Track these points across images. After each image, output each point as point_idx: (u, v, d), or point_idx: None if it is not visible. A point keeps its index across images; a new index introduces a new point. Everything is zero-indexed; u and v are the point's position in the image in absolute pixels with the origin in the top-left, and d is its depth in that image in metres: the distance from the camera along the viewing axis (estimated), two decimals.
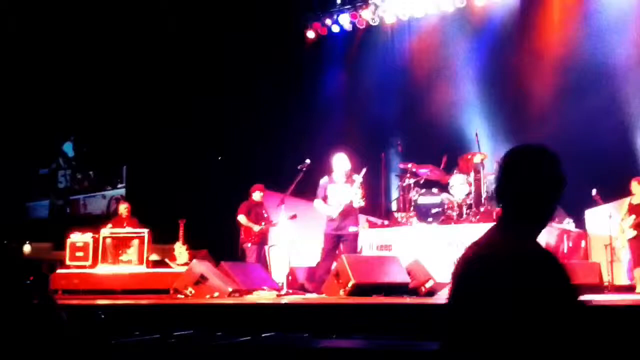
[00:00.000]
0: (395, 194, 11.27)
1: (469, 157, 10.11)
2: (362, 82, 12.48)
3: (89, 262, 10.47)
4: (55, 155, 16.28)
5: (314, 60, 12.77)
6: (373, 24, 12.70)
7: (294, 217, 9.06)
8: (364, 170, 8.52)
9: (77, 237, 10.67)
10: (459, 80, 11.73)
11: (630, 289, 8.80)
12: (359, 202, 8.35)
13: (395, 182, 11.26)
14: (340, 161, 8.56)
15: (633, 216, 8.74)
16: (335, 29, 12.98)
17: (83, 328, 3.67)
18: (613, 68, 10.47)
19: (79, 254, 10.55)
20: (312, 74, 12.51)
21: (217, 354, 3.31)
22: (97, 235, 10.61)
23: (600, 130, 10.25)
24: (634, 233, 8.72)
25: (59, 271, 10.37)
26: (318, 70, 12.55)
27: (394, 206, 11.12)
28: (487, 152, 10.24)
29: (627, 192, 9.05)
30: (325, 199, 8.48)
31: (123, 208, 11.10)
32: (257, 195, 10.09)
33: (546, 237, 8.96)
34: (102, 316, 4.40)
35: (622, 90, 10.34)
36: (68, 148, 16.11)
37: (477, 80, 11.60)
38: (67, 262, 10.51)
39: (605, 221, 9.10)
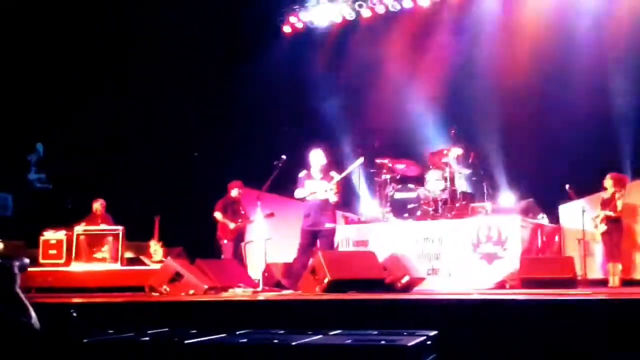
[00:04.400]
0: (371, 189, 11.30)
1: (445, 152, 10.15)
2: (339, 77, 12.47)
3: (63, 260, 10.36)
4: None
5: (290, 55, 12.72)
6: (349, 19, 12.71)
7: (271, 215, 9.04)
8: (360, 160, 8.61)
9: (51, 235, 10.54)
10: (437, 74, 11.77)
11: (603, 282, 8.91)
12: (333, 198, 8.39)
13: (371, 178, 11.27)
14: (317, 157, 8.59)
15: (604, 211, 8.86)
16: (312, 23, 12.97)
17: (55, 326, 3.62)
18: (590, 64, 10.58)
19: (53, 251, 10.44)
20: (288, 69, 12.46)
21: (192, 352, 3.28)
22: (70, 233, 10.49)
23: (574, 126, 10.36)
24: (604, 228, 8.84)
25: (32, 269, 10.21)
26: (294, 65, 12.49)
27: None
28: (462, 148, 10.29)
29: (600, 188, 9.16)
30: None
31: (97, 205, 10.97)
32: (234, 192, 10.05)
33: (520, 232, 9.05)
34: (75, 314, 4.33)
35: (598, 85, 10.46)
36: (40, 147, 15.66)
37: (455, 75, 11.65)
38: (41, 260, 10.38)
39: (579, 216, 9.20)
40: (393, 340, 3.20)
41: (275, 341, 3.25)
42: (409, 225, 9.69)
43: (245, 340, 3.33)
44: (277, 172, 8.68)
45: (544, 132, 10.86)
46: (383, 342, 3.17)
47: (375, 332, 3.55)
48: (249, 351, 3.20)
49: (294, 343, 3.14)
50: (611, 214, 8.75)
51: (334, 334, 3.57)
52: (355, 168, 8.68)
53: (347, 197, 9.96)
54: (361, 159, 8.75)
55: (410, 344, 3.14)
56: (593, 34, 10.76)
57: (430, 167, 10.18)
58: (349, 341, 3.21)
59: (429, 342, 3.46)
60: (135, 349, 3.27)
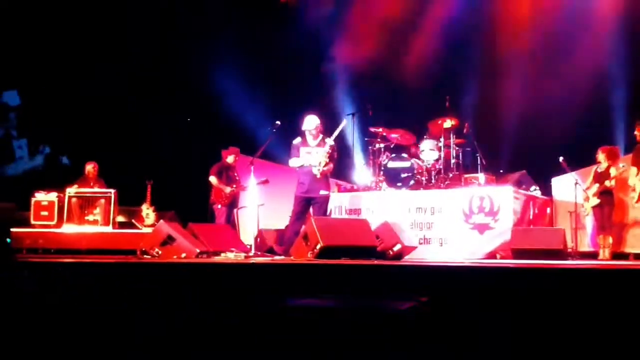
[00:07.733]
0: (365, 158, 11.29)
1: (439, 122, 10.11)
2: (333, 43, 12.35)
3: (54, 222, 10.34)
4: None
5: (286, 20, 12.57)
6: None
7: (265, 182, 9.02)
8: (344, 122, 8.58)
9: (42, 196, 10.50)
10: (432, 44, 11.67)
11: (593, 255, 8.97)
12: (319, 169, 8.32)
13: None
14: (310, 122, 8.54)
15: (597, 184, 8.88)
16: None
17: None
18: (584, 36, 10.52)
19: (44, 213, 10.41)
20: (284, 34, 12.32)
21: (184, 312, 3.28)
22: (62, 195, 10.45)
23: (568, 98, 10.34)
24: (597, 201, 8.87)
25: (23, 230, 10.17)
26: (290, 30, 12.35)
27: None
28: (457, 118, 10.25)
29: (593, 161, 9.16)
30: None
31: (90, 167, 10.91)
32: (230, 159, 10.02)
33: (512, 203, 9.07)
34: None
35: (591, 59, 10.41)
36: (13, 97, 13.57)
37: (451, 45, 11.56)
38: (32, 222, 10.36)
39: (571, 188, 9.22)
40: (385, 305, 3.22)
41: (266, 303, 3.25)
42: (402, 194, 9.70)
43: (237, 302, 3.33)
44: (271, 137, 8.64)
45: (538, 104, 10.83)
46: (375, 306, 3.18)
47: (367, 298, 3.56)
48: (241, 312, 3.21)
49: (285, 305, 3.15)
50: (607, 185, 8.76)
51: (326, 298, 3.58)
52: (341, 130, 8.66)
53: (340, 165, 9.94)
54: (345, 121, 8.71)
55: (401, 308, 3.15)
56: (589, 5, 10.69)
57: (425, 136, 10.16)
58: (341, 304, 3.23)
59: (419, 308, 3.48)
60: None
